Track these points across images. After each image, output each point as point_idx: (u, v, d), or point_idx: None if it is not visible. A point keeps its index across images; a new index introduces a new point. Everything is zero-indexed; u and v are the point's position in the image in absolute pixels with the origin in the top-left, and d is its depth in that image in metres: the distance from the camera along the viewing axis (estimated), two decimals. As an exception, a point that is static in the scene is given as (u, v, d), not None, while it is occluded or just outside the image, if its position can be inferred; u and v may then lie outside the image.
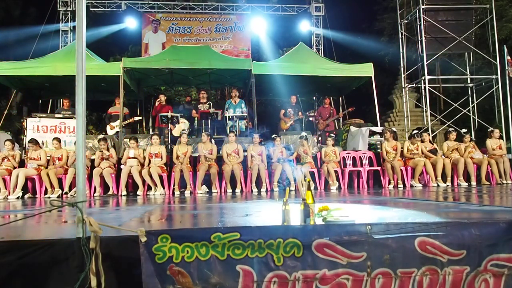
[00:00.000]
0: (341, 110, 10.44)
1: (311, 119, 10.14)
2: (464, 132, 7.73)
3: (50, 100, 11.04)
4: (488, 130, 7.85)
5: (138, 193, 6.63)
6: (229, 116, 8.87)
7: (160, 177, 6.74)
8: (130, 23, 13.02)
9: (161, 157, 6.90)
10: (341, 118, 10.17)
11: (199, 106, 9.36)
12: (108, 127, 9.02)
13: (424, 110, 10.90)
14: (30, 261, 1.85)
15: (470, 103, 11.17)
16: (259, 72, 8.66)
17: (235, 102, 9.23)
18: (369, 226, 1.93)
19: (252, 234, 1.88)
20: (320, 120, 9.73)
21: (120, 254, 1.92)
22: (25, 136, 7.59)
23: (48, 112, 10.29)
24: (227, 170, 6.78)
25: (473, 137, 9.82)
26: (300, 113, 9.37)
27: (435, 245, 1.94)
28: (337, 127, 9.86)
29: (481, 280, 1.96)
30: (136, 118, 9.30)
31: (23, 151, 7.37)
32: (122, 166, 6.83)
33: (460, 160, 7.03)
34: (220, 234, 1.86)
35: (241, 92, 10.48)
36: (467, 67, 11.46)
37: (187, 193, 6.64)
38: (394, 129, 8.00)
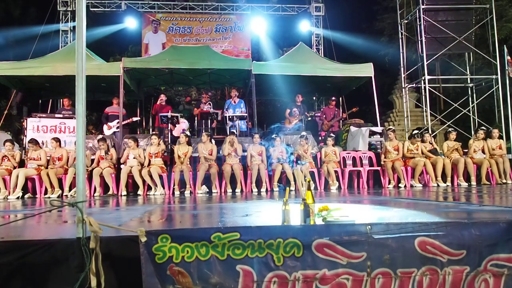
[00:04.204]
0: (341, 110, 10.44)
1: (316, 119, 10.14)
2: (481, 128, 7.63)
3: (50, 100, 11.04)
4: (487, 130, 7.82)
5: (138, 193, 6.63)
6: (229, 117, 8.88)
7: (160, 177, 6.74)
8: (130, 23, 13.01)
9: (161, 155, 6.92)
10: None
11: (201, 106, 9.37)
12: (105, 127, 9.01)
13: (424, 110, 10.90)
14: (30, 261, 1.85)
15: (470, 103, 11.16)
16: (259, 72, 8.66)
17: (235, 102, 9.24)
18: (369, 226, 1.93)
19: (252, 234, 1.88)
20: (325, 121, 9.74)
21: (120, 254, 1.92)
22: (25, 136, 7.59)
23: (48, 112, 10.29)
24: (227, 170, 6.78)
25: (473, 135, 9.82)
26: (306, 113, 9.41)
27: (435, 245, 1.94)
28: (341, 127, 9.87)
29: (481, 280, 1.96)
30: (135, 119, 9.30)
31: (23, 151, 7.37)
32: (122, 166, 6.83)
33: (460, 160, 7.03)
34: (220, 234, 1.86)
35: (241, 92, 10.47)
36: (467, 67, 11.45)
37: (187, 193, 6.64)
38: (391, 127, 7.99)
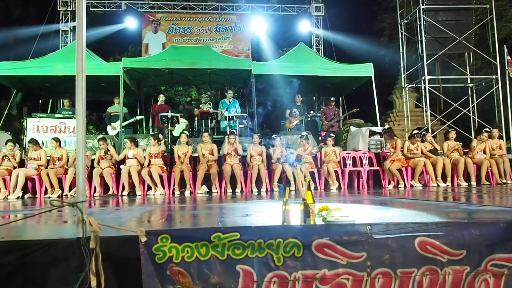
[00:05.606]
0: (341, 110, 10.44)
1: (316, 119, 10.14)
2: (485, 131, 7.62)
3: (50, 100, 11.04)
4: (485, 130, 7.80)
5: (138, 193, 6.64)
6: (228, 116, 8.86)
7: (160, 177, 6.74)
8: (130, 23, 13.02)
9: (161, 156, 6.91)
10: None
11: (200, 106, 9.38)
12: (109, 128, 9.00)
13: (424, 110, 10.90)
14: (30, 261, 1.85)
15: (470, 103, 11.16)
16: (259, 72, 8.66)
17: (229, 101, 9.25)
18: (369, 226, 1.93)
19: (252, 234, 1.88)
20: (325, 121, 9.74)
21: (120, 254, 1.92)
22: (25, 136, 7.59)
23: (48, 112, 10.29)
24: (227, 170, 6.78)
25: (471, 135, 9.82)
26: (306, 113, 9.41)
27: (435, 245, 1.94)
28: (341, 127, 9.86)
29: (481, 280, 1.96)
30: (138, 118, 9.28)
31: (23, 151, 7.38)
32: (122, 166, 6.83)
33: (460, 160, 7.03)
34: (220, 234, 1.86)
35: (241, 92, 10.45)
36: (467, 67, 11.46)
37: (187, 193, 6.64)
38: (386, 127, 7.97)
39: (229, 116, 8.80)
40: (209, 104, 9.56)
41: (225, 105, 9.28)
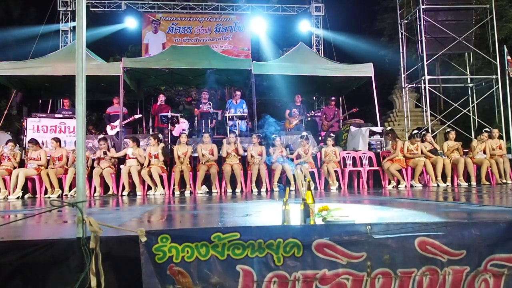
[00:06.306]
0: (341, 110, 10.44)
1: (316, 119, 10.14)
2: (485, 131, 7.62)
3: (50, 100, 11.03)
4: (485, 130, 7.79)
5: (138, 193, 6.64)
6: (229, 116, 8.86)
7: (160, 177, 6.74)
8: (130, 23, 13.01)
9: (159, 158, 6.91)
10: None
11: (200, 106, 9.38)
12: (108, 128, 9.00)
13: (424, 110, 10.90)
14: (30, 261, 1.85)
15: (470, 103, 11.16)
16: (259, 72, 8.65)
17: (236, 102, 9.23)
18: (369, 226, 1.93)
19: (252, 234, 1.88)
20: (325, 121, 9.73)
21: (120, 254, 1.92)
22: (25, 136, 7.59)
23: (48, 112, 10.28)
24: (227, 170, 6.78)
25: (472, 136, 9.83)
26: (306, 113, 9.40)
27: (435, 245, 1.94)
28: (341, 127, 9.86)
29: (481, 280, 1.96)
30: (137, 116, 9.28)
31: (23, 151, 7.37)
32: (122, 166, 6.82)
33: (460, 160, 7.03)
34: (220, 234, 1.86)
35: (241, 92, 10.44)
36: (467, 67, 11.46)
37: (187, 193, 6.64)
38: (388, 128, 7.97)
39: (229, 117, 8.80)
40: (209, 104, 9.55)
41: (232, 105, 9.25)
